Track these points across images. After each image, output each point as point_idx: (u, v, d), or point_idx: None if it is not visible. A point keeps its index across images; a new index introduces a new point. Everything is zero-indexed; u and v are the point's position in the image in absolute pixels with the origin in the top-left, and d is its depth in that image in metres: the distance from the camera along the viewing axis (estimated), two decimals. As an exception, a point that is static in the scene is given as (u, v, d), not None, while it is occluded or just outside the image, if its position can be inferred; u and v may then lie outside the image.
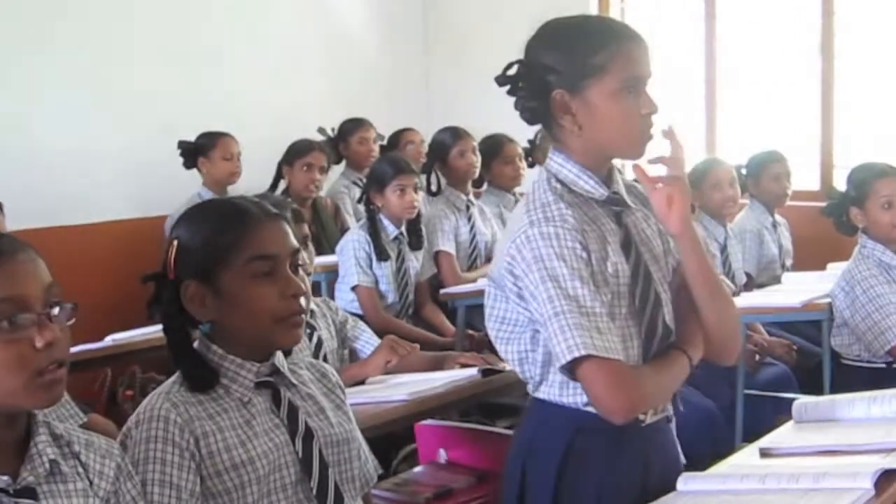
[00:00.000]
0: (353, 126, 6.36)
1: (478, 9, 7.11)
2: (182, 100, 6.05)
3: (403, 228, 4.95)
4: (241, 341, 2.04)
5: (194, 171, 5.84)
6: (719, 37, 6.69)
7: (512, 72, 2.17)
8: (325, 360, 3.27)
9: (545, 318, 2.05)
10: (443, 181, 5.56)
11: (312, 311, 3.35)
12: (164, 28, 6.07)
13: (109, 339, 4.02)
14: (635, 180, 2.30)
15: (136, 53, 5.92)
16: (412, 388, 2.90)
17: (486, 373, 3.05)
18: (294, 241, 2.07)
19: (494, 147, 5.71)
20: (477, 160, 5.51)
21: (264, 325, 2.01)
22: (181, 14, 6.16)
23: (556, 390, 2.18)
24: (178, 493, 1.90)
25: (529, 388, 2.25)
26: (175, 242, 2.05)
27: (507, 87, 2.17)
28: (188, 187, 5.74)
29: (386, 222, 4.91)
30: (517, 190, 5.77)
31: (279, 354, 2.10)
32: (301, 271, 2.07)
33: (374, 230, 4.85)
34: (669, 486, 2.15)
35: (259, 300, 1.99)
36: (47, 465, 1.70)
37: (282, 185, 5.92)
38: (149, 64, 5.96)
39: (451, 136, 5.51)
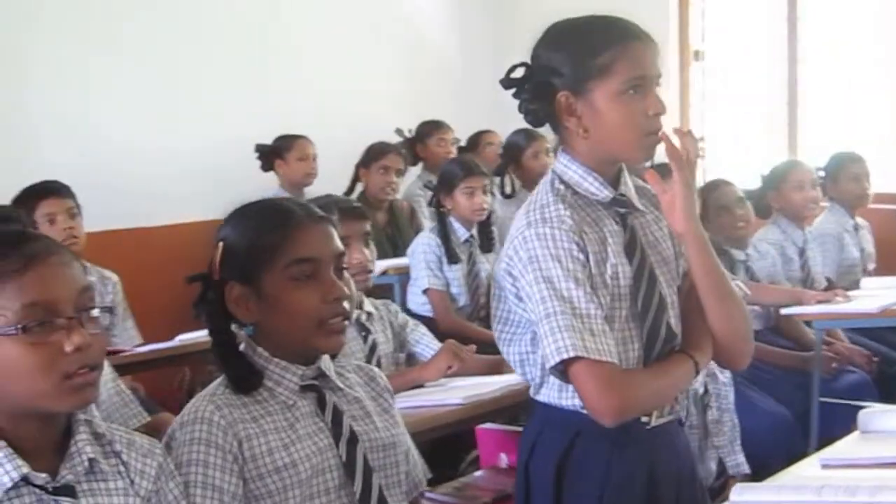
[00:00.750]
0: (431, 128, 6.38)
1: (552, 11, 7.05)
2: (260, 102, 6.10)
3: (474, 231, 4.92)
4: (285, 344, 2.03)
5: (272, 173, 5.90)
6: (801, 37, 6.57)
7: (517, 74, 2.15)
8: (378, 363, 3.26)
9: (537, 318, 2.05)
10: (517, 183, 5.53)
11: (369, 314, 3.35)
12: (242, 29, 6.15)
13: (178, 340, 4.06)
14: None
15: (212, 55, 5.98)
16: (468, 392, 2.88)
17: None
18: (339, 245, 2.06)
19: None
20: (551, 161, 5.45)
21: (306, 330, 2.00)
22: (258, 16, 6.23)
23: (555, 393, 2.17)
24: (220, 496, 1.90)
25: (531, 390, 2.24)
26: (220, 243, 2.05)
27: (513, 91, 2.15)
28: (265, 190, 5.78)
29: (456, 225, 4.88)
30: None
31: (325, 357, 2.09)
32: (346, 274, 2.07)
33: (444, 233, 4.84)
34: (682, 493, 2.13)
35: (300, 304, 1.99)
36: (86, 464, 1.71)
37: (358, 188, 5.95)
38: (226, 66, 6.03)
39: (525, 138, 5.49)
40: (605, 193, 2.16)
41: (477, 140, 6.48)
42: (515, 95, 2.17)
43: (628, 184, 2.22)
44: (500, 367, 3.23)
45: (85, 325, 1.68)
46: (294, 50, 6.39)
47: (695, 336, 2.19)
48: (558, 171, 2.18)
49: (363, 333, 3.32)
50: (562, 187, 2.16)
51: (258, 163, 5.90)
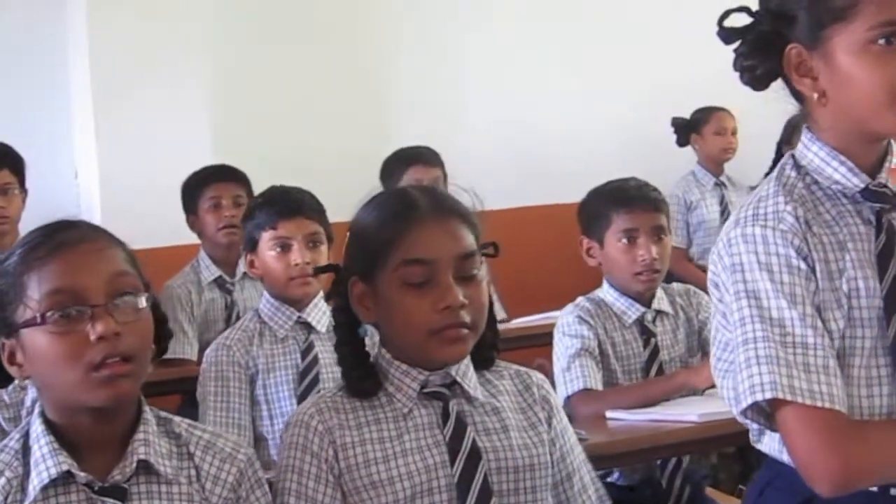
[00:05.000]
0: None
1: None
2: (675, 75, 5.77)
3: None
4: (404, 349, 1.85)
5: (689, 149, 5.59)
6: None
7: (735, 22, 1.67)
8: (660, 368, 2.88)
9: (735, 345, 1.58)
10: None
11: (658, 313, 2.97)
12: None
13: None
14: None
15: (626, 24, 5.80)
16: (707, 408, 2.43)
17: None
18: (465, 245, 1.82)
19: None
20: None
21: (418, 338, 1.80)
22: None
23: (776, 444, 1.64)
24: None
25: (751, 436, 1.71)
26: (348, 234, 1.91)
27: (736, 45, 1.67)
28: (679, 169, 5.51)
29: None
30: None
31: (462, 362, 1.85)
32: (480, 277, 1.81)
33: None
34: None
35: (409, 309, 1.79)
36: (133, 466, 1.63)
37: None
38: (640, 36, 5.80)
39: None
40: (854, 182, 1.63)
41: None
42: (736, 51, 1.68)
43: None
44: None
45: (116, 313, 1.58)
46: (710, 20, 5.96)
47: None
48: (797, 153, 1.68)
49: (643, 337, 2.94)
50: (793, 174, 1.65)
51: (675, 137, 5.59)
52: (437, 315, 1.77)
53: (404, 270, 1.79)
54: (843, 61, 1.58)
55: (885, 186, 1.64)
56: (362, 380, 1.84)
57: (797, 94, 1.66)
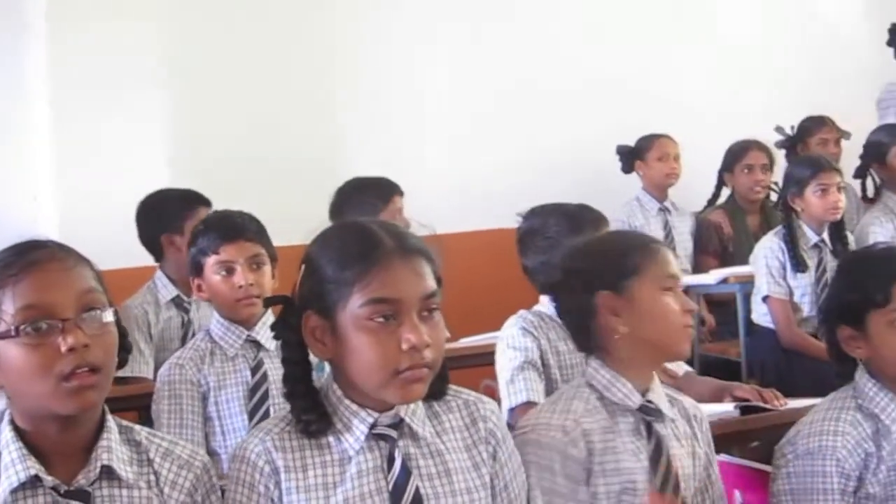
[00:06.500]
0: (813, 125, 5.82)
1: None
2: (620, 104, 5.96)
3: (825, 234, 4.53)
4: (360, 387, 1.83)
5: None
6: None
7: None
8: None
9: None
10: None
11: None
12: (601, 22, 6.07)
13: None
14: None
15: (573, 52, 5.95)
16: None
17: (745, 410, 2.64)
18: (428, 285, 1.81)
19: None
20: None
21: (380, 377, 1.78)
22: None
23: None
24: None
25: None
26: (303, 266, 1.88)
27: None
28: (625, 194, 5.67)
29: (805, 228, 4.53)
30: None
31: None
32: (437, 316, 1.82)
33: (791, 237, 4.50)
34: None
35: (373, 349, 1.77)
36: (97, 471, 1.72)
37: (725, 193, 5.62)
38: (586, 65, 5.97)
39: (890, 135, 4.90)
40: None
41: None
42: None
43: None
44: (722, 395, 2.90)
45: (85, 327, 1.69)
46: (665, 44, 6.18)
47: None
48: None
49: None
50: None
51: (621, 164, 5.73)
52: (403, 355, 1.76)
53: (370, 308, 1.76)
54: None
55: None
56: (314, 422, 1.82)
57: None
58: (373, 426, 1.83)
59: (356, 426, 1.83)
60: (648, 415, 2.19)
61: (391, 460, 1.83)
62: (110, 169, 4.87)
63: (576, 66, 5.95)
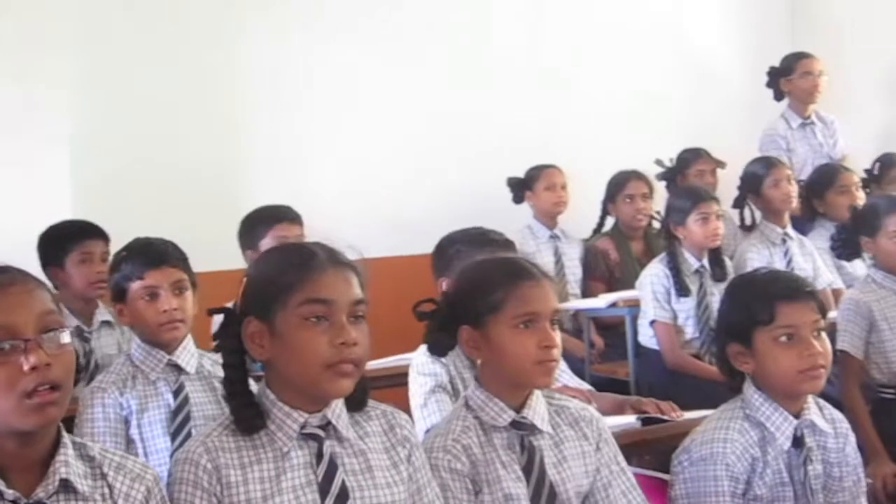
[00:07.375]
0: (691, 156, 6.13)
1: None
2: (518, 132, 6.22)
3: (705, 260, 4.78)
4: (292, 386, 2.05)
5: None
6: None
7: None
8: None
9: None
10: (758, 215, 5.27)
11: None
12: (497, 66, 6.30)
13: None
14: None
15: (466, 78, 6.20)
16: None
17: (646, 421, 2.84)
18: (357, 293, 2.06)
19: (828, 176, 5.37)
20: (794, 190, 5.16)
21: (313, 371, 2.01)
22: (528, 39, 6.43)
23: None
24: None
25: None
26: (245, 278, 2.12)
27: None
28: (518, 221, 5.83)
29: (687, 254, 4.76)
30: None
31: (337, 404, 2.09)
32: (363, 323, 2.05)
33: (674, 263, 4.74)
34: None
35: (308, 344, 2.00)
36: (56, 484, 1.82)
37: (610, 222, 5.87)
38: (481, 104, 6.20)
39: (765, 166, 5.21)
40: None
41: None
42: None
43: None
44: (623, 408, 3.09)
45: (45, 346, 1.78)
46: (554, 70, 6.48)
47: None
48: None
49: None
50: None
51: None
52: (333, 349, 1.99)
53: (306, 308, 2.00)
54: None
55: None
56: (252, 418, 2.04)
57: None
58: (303, 426, 2.05)
59: (288, 425, 2.05)
60: (521, 430, 2.35)
61: (320, 456, 2.05)
62: (10, 195, 4.85)
63: (476, 105, 6.20)
